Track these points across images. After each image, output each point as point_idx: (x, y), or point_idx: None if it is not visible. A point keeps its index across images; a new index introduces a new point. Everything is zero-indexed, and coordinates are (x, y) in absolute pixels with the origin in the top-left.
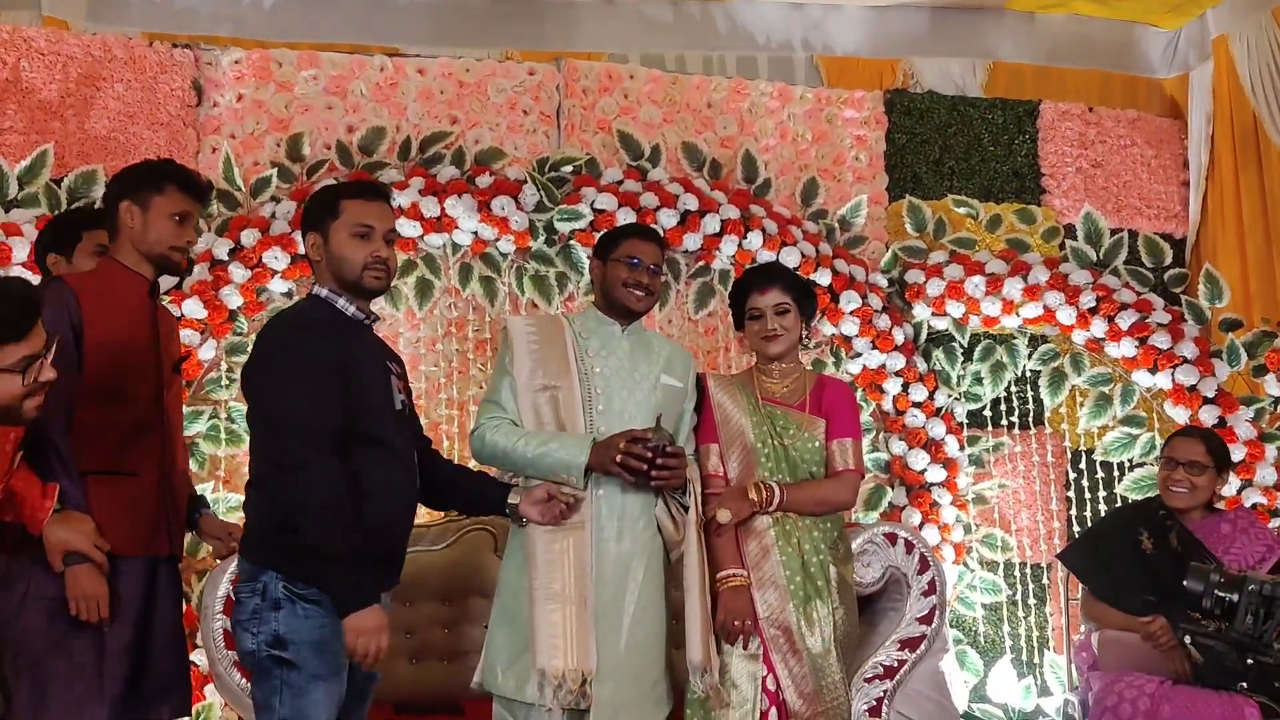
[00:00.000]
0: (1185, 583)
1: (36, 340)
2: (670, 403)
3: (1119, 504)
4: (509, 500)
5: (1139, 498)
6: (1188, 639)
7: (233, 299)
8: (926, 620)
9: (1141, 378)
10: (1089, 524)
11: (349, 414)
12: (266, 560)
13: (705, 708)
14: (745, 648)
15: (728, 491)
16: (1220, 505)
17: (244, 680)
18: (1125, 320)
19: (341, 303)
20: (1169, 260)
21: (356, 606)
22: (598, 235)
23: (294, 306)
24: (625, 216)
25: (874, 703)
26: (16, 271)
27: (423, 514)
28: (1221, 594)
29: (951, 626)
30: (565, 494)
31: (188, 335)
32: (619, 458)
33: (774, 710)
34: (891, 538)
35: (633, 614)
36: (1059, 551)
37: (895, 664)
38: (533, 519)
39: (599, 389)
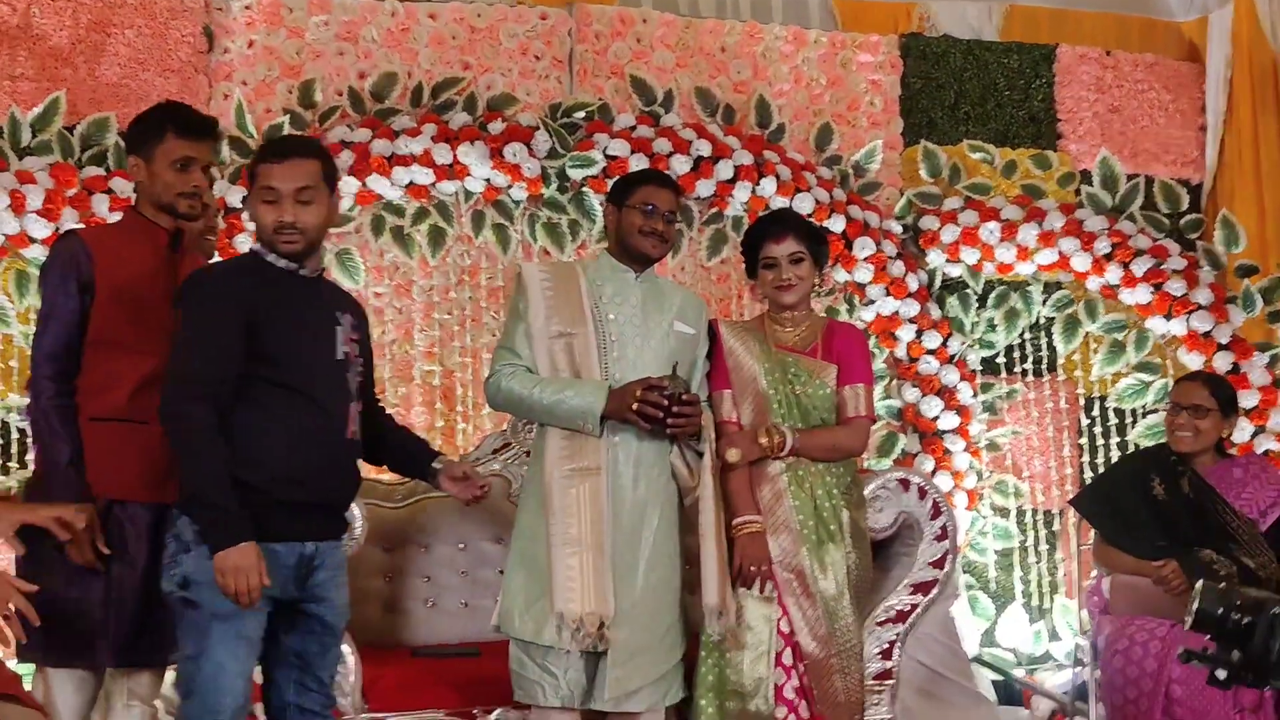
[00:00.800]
0: (1200, 605)
1: None
2: (684, 350)
3: (1131, 451)
4: (432, 466)
5: (1151, 444)
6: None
7: (246, 247)
8: (938, 565)
9: (1156, 324)
10: (1101, 471)
11: (258, 361)
12: (179, 505)
13: (720, 650)
14: (760, 591)
15: (739, 434)
16: (1233, 451)
17: None
18: (1140, 266)
19: (272, 257)
20: (1185, 206)
21: (222, 544)
22: (610, 182)
23: (224, 261)
24: (638, 163)
25: (886, 646)
26: (31, 220)
27: None
28: (1239, 617)
29: (964, 572)
30: (479, 476)
31: None
32: (635, 405)
33: (788, 652)
34: (904, 483)
35: (648, 559)
36: (1071, 498)
37: (907, 608)
38: (451, 493)
39: (613, 336)
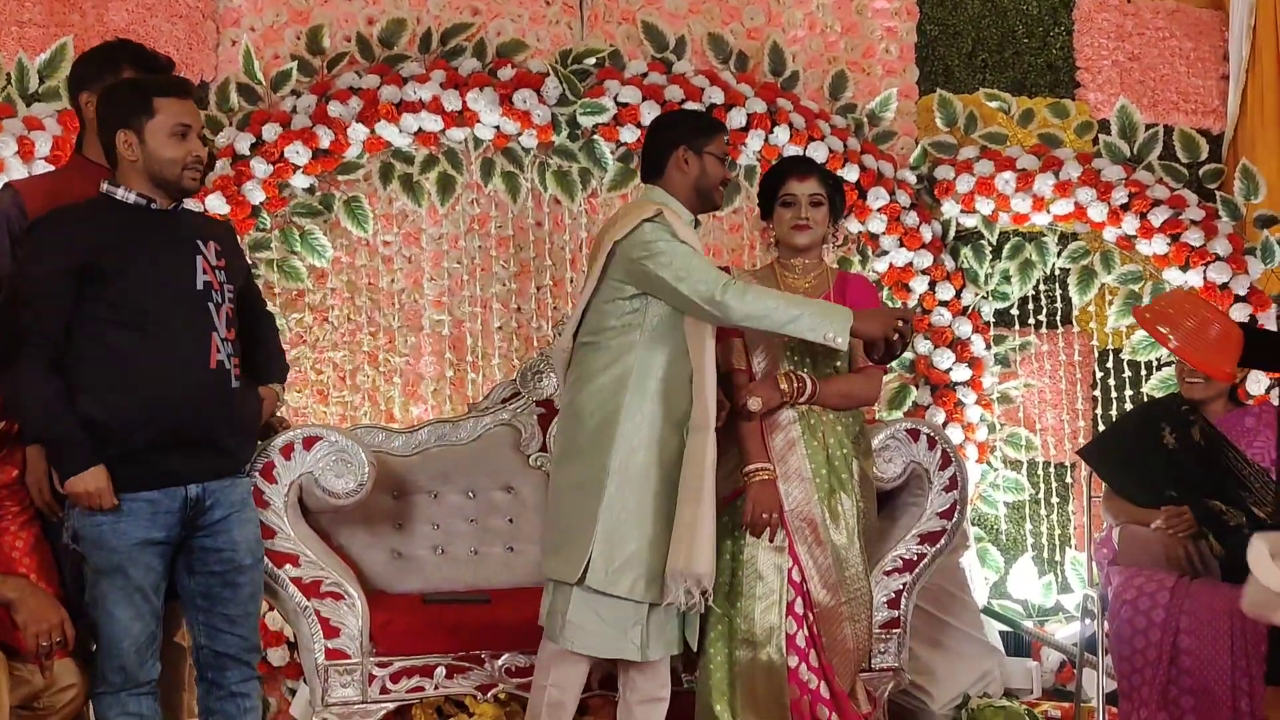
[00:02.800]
0: None
1: None
2: None
3: (1142, 401)
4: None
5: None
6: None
7: (255, 194)
8: (947, 515)
9: (1173, 275)
10: (1112, 421)
11: (102, 303)
12: None
13: (730, 600)
14: (771, 540)
15: (758, 382)
16: (1249, 402)
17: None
18: (1158, 217)
19: (120, 193)
20: (1205, 156)
21: (70, 472)
22: (620, 129)
23: (66, 206)
24: (649, 110)
25: (893, 595)
26: (40, 166)
27: (445, 410)
28: None
29: (973, 525)
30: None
31: None
32: (895, 334)
33: (799, 600)
34: (914, 433)
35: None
36: (1080, 448)
37: (914, 557)
38: None
39: None
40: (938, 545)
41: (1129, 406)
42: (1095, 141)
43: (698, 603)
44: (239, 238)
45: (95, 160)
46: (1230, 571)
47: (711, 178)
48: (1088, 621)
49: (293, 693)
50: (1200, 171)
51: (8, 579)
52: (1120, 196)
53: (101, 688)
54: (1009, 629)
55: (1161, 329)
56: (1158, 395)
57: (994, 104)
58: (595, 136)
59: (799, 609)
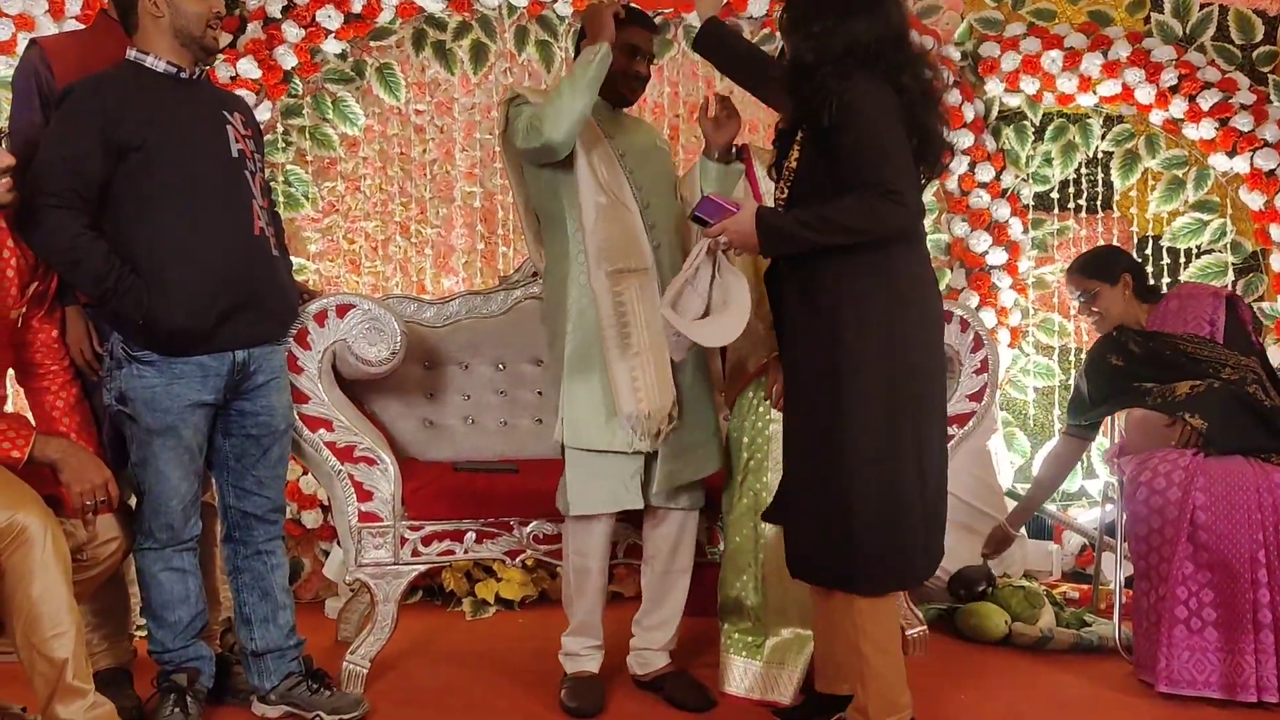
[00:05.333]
0: None
1: None
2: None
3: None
4: None
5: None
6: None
7: (287, 59)
8: (976, 398)
9: (1218, 161)
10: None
11: (144, 176)
12: (96, 313)
13: (756, 474)
14: None
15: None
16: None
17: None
18: (1207, 100)
19: (150, 60)
20: (1260, 37)
21: (146, 316)
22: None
23: (96, 73)
24: None
25: None
26: (70, 25)
27: (476, 283)
28: None
29: (1002, 409)
30: None
31: (240, 95)
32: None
33: None
34: (947, 315)
35: (693, 358)
36: (1064, 429)
37: None
38: None
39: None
40: (965, 428)
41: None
42: (1147, 20)
43: (659, 438)
44: (270, 104)
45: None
46: (1220, 439)
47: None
48: (1108, 507)
49: (326, 554)
50: (1254, 54)
51: (51, 440)
52: (1169, 78)
53: (147, 543)
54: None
55: None
56: (1195, 281)
57: None
58: (632, 4)
59: None
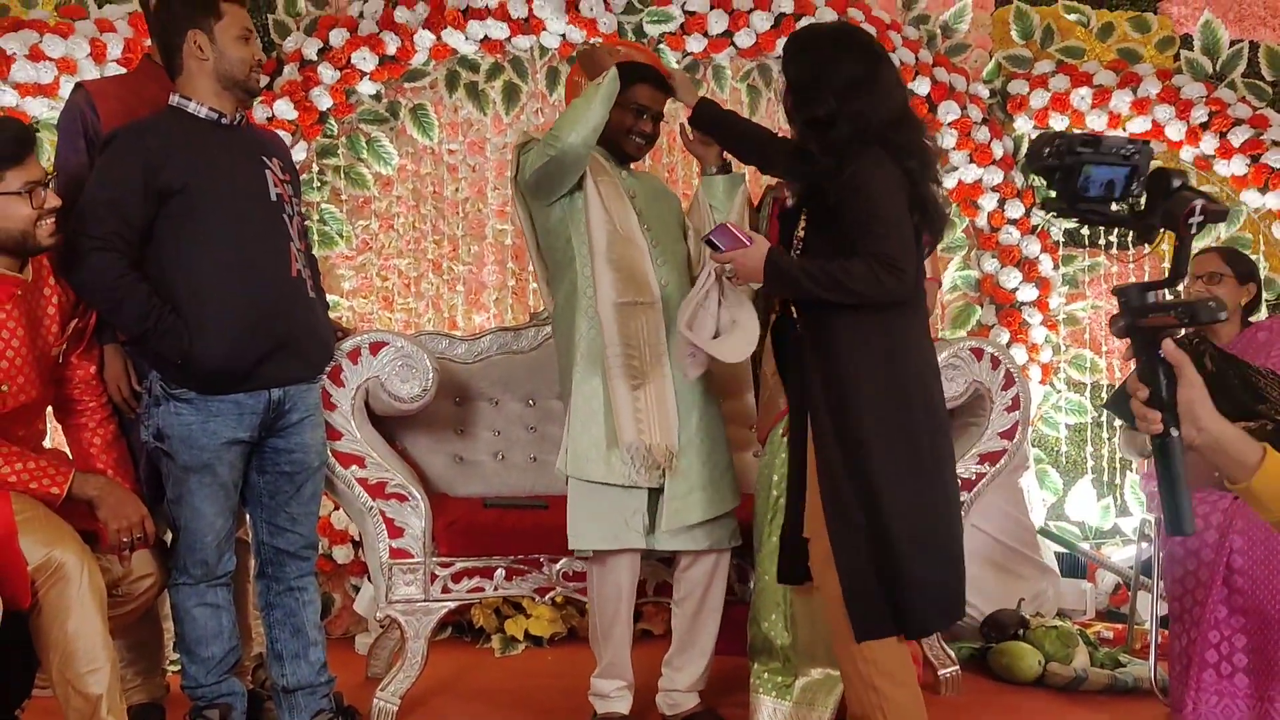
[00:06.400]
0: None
1: (35, 169)
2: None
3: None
4: None
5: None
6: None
7: (323, 100)
8: (1008, 435)
9: (1250, 197)
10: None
11: (186, 218)
12: (135, 350)
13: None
14: None
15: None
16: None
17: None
18: (1238, 137)
19: (193, 106)
20: None
21: (178, 354)
22: (687, 39)
23: (141, 119)
24: (717, 20)
25: None
26: (112, 69)
27: (507, 319)
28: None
29: (1034, 446)
30: None
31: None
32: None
33: None
34: (978, 353)
35: (703, 393)
36: (1105, 400)
37: (973, 477)
38: None
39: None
40: (997, 465)
41: None
42: (1176, 57)
43: (662, 472)
44: (306, 144)
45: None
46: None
47: (615, 125)
48: (1144, 545)
49: (356, 590)
50: None
51: (90, 477)
52: (1200, 115)
53: (182, 579)
54: (1065, 550)
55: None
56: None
57: (1072, 16)
58: (661, 45)
59: None
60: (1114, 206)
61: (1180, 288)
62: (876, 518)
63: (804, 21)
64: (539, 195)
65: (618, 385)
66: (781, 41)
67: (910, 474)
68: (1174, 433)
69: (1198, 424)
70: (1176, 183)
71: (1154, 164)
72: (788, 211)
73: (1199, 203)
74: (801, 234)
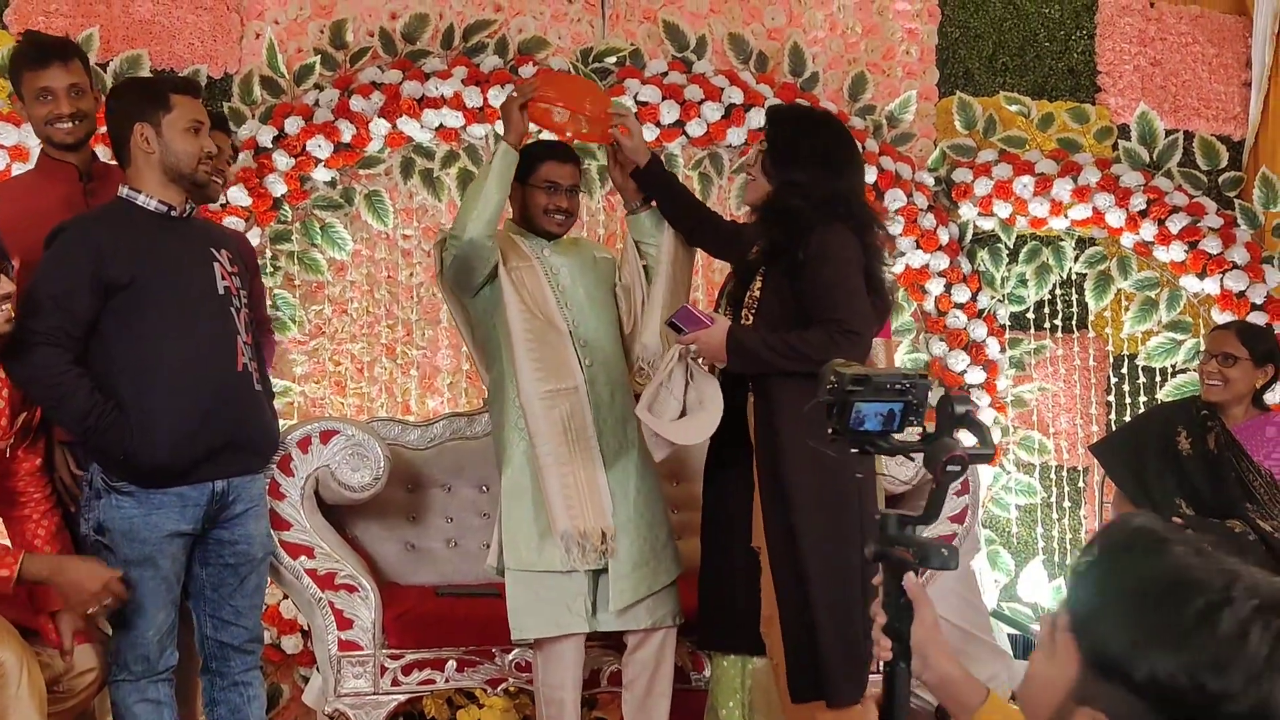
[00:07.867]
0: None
1: None
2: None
3: (1162, 403)
4: None
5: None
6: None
7: (277, 187)
8: (958, 519)
9: (1190, 282)
10: (1128, 420)
11: (131, 313)
12: (78, 446)
13: None
14: None
15: None
16: (1271, 410)
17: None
18: (1176, 224)
19: (141, 198)
20: (1225, 163)
21: (122, 451)
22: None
23: (88, 212)
24: (669, 110)
25: None
26: None
27: (461, 404)
28: None
29: (985, 527)
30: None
31: (230, 222)
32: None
33: None
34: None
35: (637, 470)
36: (1093, 443)
37: None
38: None
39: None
40: None
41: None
42: (1115, 147)
43: (601, 554)
44: (259, 230)
45: (60, 159)
46: None
47: (533, 207)
48: None
49: (305, 680)
50: (1220, 179)
51: (38, 557)
52: (1138, 202)
53: (122, 675)
54: (1018, 632)
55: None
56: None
57: (1013, 107)
58: (548, 137)
59: None
60: (897, 436)
61: (940, 523)
62: (799, 595)
63: (754, 112)
64: (461, 290)
65: (547, 474)
66: (732, 131)
67: (836, 540)
68: (902, 665)
69: (927, 661)
70: (961, 409)
71: (936, 393)
72: (746, 264)
73: (960, 452)
74: (758, 294)
